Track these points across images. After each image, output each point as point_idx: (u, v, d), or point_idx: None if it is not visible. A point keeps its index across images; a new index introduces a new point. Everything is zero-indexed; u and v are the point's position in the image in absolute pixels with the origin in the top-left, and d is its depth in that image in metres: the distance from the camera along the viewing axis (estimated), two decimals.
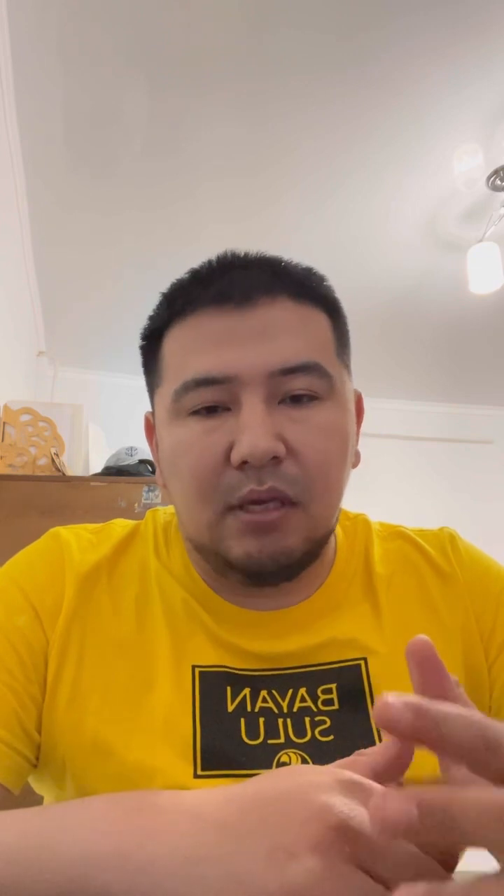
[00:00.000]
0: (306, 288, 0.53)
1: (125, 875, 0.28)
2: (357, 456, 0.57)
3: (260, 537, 0.48)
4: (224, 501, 0.48)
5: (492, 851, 0.24)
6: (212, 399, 0.49)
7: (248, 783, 0.31)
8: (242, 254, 0.53)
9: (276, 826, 0.27)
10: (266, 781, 0.30)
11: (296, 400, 0.49)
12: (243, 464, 0.47)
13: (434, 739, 0.25)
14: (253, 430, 0.47)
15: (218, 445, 0.48)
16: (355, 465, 0.56)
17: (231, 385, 0.49)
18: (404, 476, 3.54)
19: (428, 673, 0.29)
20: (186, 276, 0.54)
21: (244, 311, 0.50)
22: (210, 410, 0.49)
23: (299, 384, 0.49)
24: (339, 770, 0.29)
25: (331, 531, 0.54)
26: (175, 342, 0.52)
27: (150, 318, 0.55)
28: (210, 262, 0.53)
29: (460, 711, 0.26)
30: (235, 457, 0.47)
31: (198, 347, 0.50)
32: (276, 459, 0.47)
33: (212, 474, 0.48)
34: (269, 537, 0.48)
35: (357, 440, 0.57)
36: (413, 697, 0.26)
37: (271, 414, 0.48)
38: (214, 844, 0.28)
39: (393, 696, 0.25)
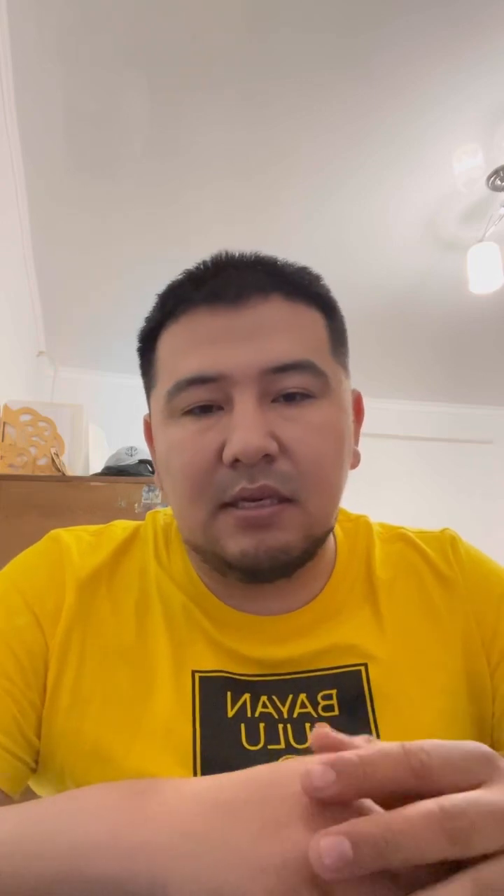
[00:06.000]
0: (300, 287, 0.52)
1: (120, 856, 0.28)
2: (356, 456, 0.56)
3: (254, 533, 0.48)
4: (216, 500, 0.48)
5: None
6: (204, 398, 0.49)
7: (241, 771, 0.31)
8: (236, 254, 0.53)
9: (268, 800, 0.27)
10: (259, 767, 0.31)
11: (289, 398, 0.49)
12: (235, 462, 0.47)
13: (363, 785, 0.26)
14: (244, 428, 0.46)
15: (211, 444, 0.48)
16: (354, 465, 0.55)
17: (223, 384, 0.48)
18: (404, 476, 3.54)
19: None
20: (180, 276, 0.54)
21: (236, 311, 0.50)
22: (203, 410, 0.49)
23: (292, 382, 0.49)
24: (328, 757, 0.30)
25: (329, 530, 0.54)
26: (168, 343, 0.52)
27: (146, 319, 0.55)
28: (204, 262, 0.53)
29: (378, 748, 0.27)
30: (227, 455, 0.47)
31: (190, 347, 0.50)
32: (268, 458, 0.47)
33: (204, 473, 0.48)
34: (264, 533, 0.48)
35: (357, 440, 0.57)
36: (329, 755, 0.27)
37: (263, 412, 0.48)
38: (208, 820, 0.28)
39: (311, 764, 0.26)
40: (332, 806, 0.27)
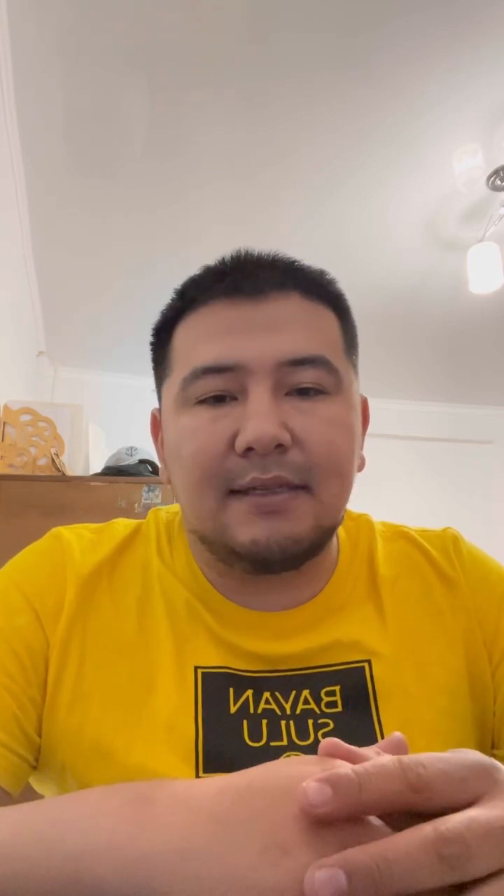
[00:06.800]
0: (318, 286, 0.53)
1: (119, 868, 0.27)
2: (362, 460, 0.56)
3: (268, 521, 0.47)
4: (226, 486, 0.48)
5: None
6: (219, 387, 0.49)
7: (240, 774, 0.30)
8: (256, 252, 0.54)
9: (269, 820, 0.27)
10: (258, 773, 0.30)
11: (303, 393, 0.50)
12: (248, 451, 0.47)
13: (360, 801, 0.26)
14: (259, 417, 0.47)
15: (223, 432, 0.48)
16: (360, 468, 0.56)
17: (239, 373, 0.49)
18: (404, 476, 3.54)
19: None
20: (199, 271, 0.55)
21: (255, 304, 0.50)
22: (217, 399, 0.50)
23: (307, 377, 0.49)
24: (328, 759, 0.29)
25: (338, 523, 0.54)
26: (186, 332, 0.53)
27: (162, 312, 0.56)
28: (223, 258, 0.54)
29: (375, 763, 0.27)
30: (240, 443, 0.47)
31: (208, 336, 0.51)
32: (280, 448, 0.47)
33: (215, 460, 0.48)
34: (277, 522, 0.47)
35: (362, 444, 0.57)
36: (328, 773, 0.27)
37: (278, 403, 0.48)
38: (207, 838, 0.27)
39: (308, 780, 0.26)
40: (332, 822, 0.26)
